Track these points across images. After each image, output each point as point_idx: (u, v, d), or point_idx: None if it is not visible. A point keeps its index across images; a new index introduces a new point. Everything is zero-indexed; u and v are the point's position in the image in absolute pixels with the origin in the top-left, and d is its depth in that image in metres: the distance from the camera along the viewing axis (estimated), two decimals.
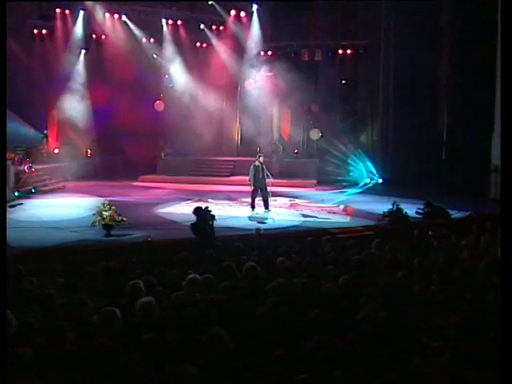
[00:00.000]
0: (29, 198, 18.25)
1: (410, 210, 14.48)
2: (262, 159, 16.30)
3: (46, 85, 24.43)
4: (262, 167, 16.11)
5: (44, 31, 24.26)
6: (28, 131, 25.47)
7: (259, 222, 14.40)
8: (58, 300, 6.08)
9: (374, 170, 23.58)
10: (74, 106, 25.72)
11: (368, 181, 23.38)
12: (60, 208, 16.67)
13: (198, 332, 4.71)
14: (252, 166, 16.20)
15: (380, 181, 23.26)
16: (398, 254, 8.97)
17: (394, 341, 4.50)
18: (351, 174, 23.58)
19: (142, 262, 8.66)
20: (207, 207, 10.85)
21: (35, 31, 24.27)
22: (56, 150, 25.75)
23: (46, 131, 26.04)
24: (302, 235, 11.07)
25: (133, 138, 25.53)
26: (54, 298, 5.97)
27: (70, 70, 25.14)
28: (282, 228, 13.55)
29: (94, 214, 12.15)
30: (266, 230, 12.56)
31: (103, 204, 12.14)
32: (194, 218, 10.97)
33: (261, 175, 16.02)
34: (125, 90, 25.74)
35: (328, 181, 22.85)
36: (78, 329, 5.22)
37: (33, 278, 7.07)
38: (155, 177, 24.40)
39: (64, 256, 8.97)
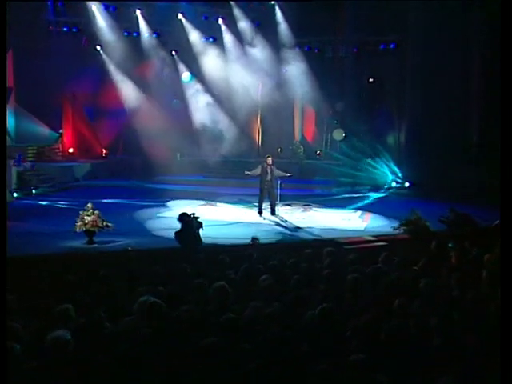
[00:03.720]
0: (29, 199, 17.39)
1: (435, 217, 13.09)
2: (270, 160, 15.08)
3: (61, 83, 23.71)
4: (271, 169, 14.89)
5: (58, 28, 23.49)
6: (43, 130, 24.93)
7: (263, 229, 13.20)
8: None
9: (399, 173, 22.08)
10: (91, 105, 25.07)
11: (393, 184, 21.92)
12: (54, 210, 15.76)
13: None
14: (260, 166, 15.08)
15: (406, 184, 21.73)
16: (406, 272, 7.66)
17: None
18: (375, 177, 22.11)
19: (107, 276, 7.54)
20: (194, 213, 9.71)
21: (50, 27, 23.49)
22: (70, 150, 25.08)
23: (60, 130, 25.39)
24: (302, 246, 9.81)
25: (150, 138, 24.68)
26: None
27: (86, 68, 24.33)
28: (283, 237, 12.27)
29: (76, 220, 11.13)
30: (266, 238, 11.33)
31: (86, 208, 11.12)
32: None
33: (269, 177, 14.83)
34: (142, 88, 24.96)
35: (350, 184, 21.46)
36: None
37: None
38: (170, 178, 23.36)
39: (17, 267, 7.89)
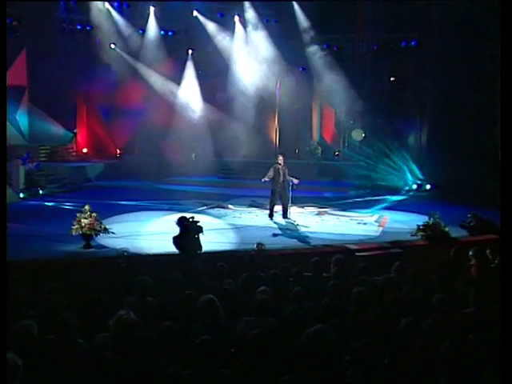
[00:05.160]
0: (35, 200, 16.96)
1: (456, 221, 12.34)
2: (281, 159, 14.47)
3: (75, 82, 23.37)
4: (284, 170, 14.26)
5: (71, 26, 23.20)
6: (57, 130, 24.65)
7: (271, 234, 12.56)
8: None
9: (420, 175, 21.24)
10: (106, 104, 24.72)
11: (414, 187, 21.11)
12: (59, 212, 15.30)
13: None
14: (272, 168, 14.44)
15: (428, 187, 20.90)
16: (419, 284, 6.97)
17: None
18: (395, 178, 21.31)
19: (95, 284, 6.99)
20: (193, 217, 9.12)
21: (63, 26, 23.20)
22: (85, 150, 24.76)
23: (75, 130, 25.09)
24: (309, 253, 9.16)
25: (165, 138, 24.26)
26: None
27: (101, 66, 23.95)
28: (291, 243, 11.58)
29: (73, 222, 10.57)
30: (272, 244, 10.66)
31: (83, 210, 10.58)
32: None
33: (281, 179, 14.18)
34: (158, 87, 24.55)
35: (369, 186, 20.69)
36: None
37: None
38: (184, 178, 22.88)
39: None
